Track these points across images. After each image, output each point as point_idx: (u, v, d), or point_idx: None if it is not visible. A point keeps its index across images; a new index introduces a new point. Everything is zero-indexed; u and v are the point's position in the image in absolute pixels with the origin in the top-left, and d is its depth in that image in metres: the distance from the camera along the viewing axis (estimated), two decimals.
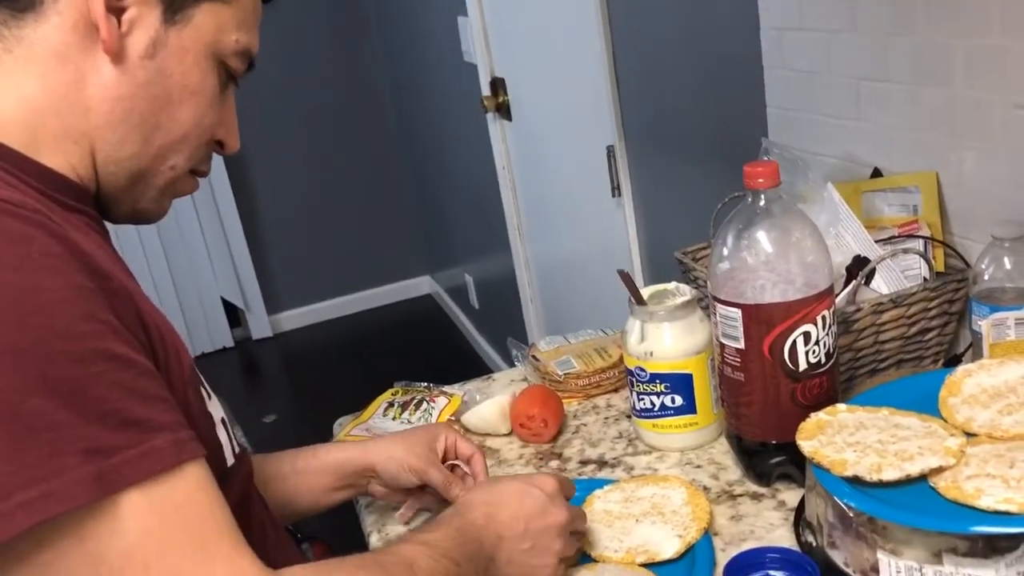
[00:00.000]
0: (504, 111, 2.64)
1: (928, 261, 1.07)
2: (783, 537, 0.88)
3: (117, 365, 0.60)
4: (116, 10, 0.71)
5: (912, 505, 0.75)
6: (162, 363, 0.68)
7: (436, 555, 0.73)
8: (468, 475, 1.00)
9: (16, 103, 0.70)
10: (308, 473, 0.99)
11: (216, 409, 0.78)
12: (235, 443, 0.81)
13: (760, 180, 0.89)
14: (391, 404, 1.19)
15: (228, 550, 0.63)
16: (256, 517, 0.83)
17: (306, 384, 3.78)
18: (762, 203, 0.90)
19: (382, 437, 1.03)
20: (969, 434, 0.81)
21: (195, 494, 0.62)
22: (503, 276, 3.06)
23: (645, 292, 1.09)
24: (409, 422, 1.15)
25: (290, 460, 1.00)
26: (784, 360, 0.90)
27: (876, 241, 1.10)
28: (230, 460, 0.78)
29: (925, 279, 1.07)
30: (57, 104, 0.71)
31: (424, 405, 1.17)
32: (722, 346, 0.95)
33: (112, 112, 0.72)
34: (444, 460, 1.00)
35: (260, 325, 4.25)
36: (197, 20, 0.74)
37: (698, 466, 1.03)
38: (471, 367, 3.45)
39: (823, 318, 0.90)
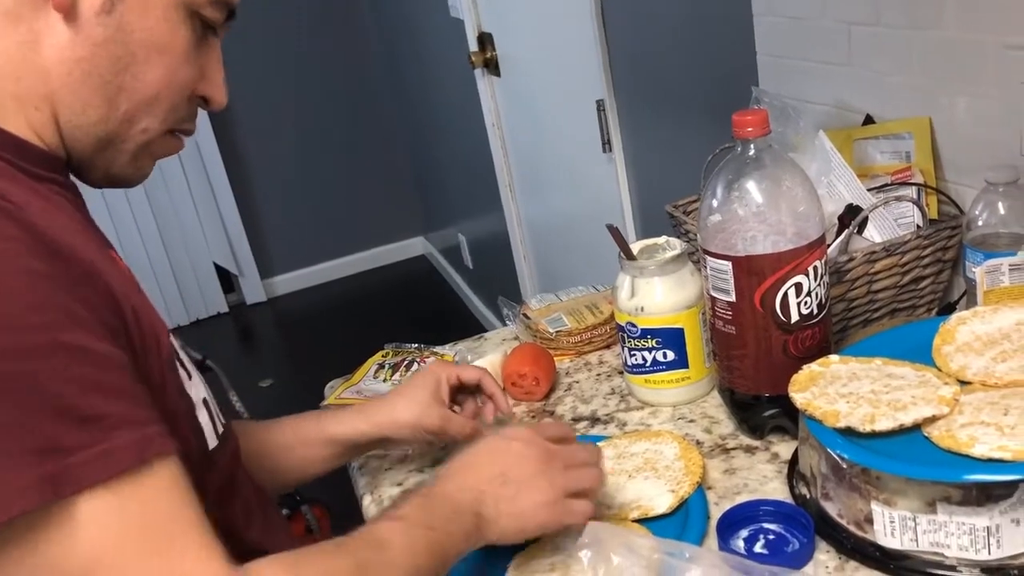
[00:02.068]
0: (492, 67, 2.60)
1: (921, 208, 1.06)
2: (777, 490, 0.87)
3: (75, 358, 0.56)
4: None
5: (906, 455, 0.74)
6: (138, 346, 0.64)
7: (407, 527, 0.70)
8: (485, 401, 1.01)
9: None
10: (313, 445, 0.96)
11: (197, 389, 0.74)
12: (218, 423, 0.78)
13: (749, 129, 0.87)
14: (381, 366, 1.18)
15: (195, 552, 0.58)
16: (241, 500, 0.80)
17: (302, 348, 3.78)
18: (752, 152, 0.89)
19: (382, 400, 0.99)
20: (963, 382, 0.80)
21: (161, 494, 0.58)
22: (496, 235, 3.04)
23: (635, 247, 1.07)
24: (400, 383, 1.13)
25: (292, 430, 0.97)
26: (776, 312, 0.89)
27: (869, 189, 1.08)
28: (212, 442, 0.75)
29: (918, 227, 1.05)
30: (14, 68, 0.67)
31: (415, 366, 1.16)
32: (713, 299, 0.93)
33: (70, 75, 0.68)
34: (454, 398, 0.99)
35: (254, 290, 4.23)
36: None
37: (691, 421, 1.02)
38: (466, 327, 3.45)
39: (815, 268, 0.89)
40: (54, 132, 0.69)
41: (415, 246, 4.45)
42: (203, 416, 0.75)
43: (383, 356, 1.21)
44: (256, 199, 4.11)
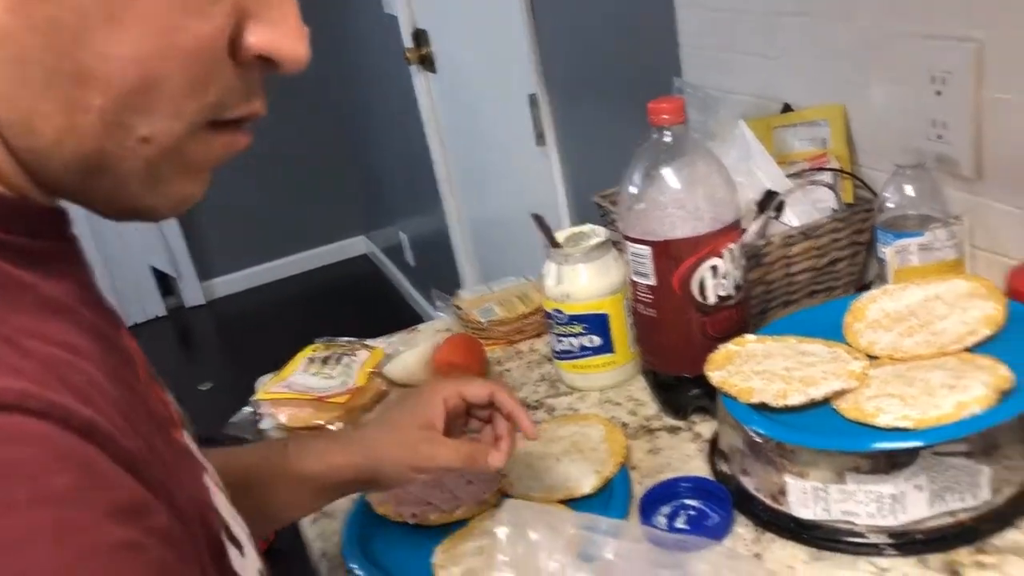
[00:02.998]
0: (428, 63, 2.60)
1: (837, 193, 1.09)
2: (699, 468, 0.89)
3: None
4: None
5: (816, 428, 0.76)
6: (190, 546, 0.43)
7: None
8: (499, 422, 0.80)
9: None
10: (282, 484, 0.76)
11: (251, 567, 0.52)
12: None
13: (664, 116, 0.89)
14: (312, 360, 1.18)
15: None
16: None
17: (242, 350, 3.74)
18: (668, 139, 0.91)
19: (361, 432, 0.82)
20: (872, 357, 0.83)
21: None
22: (437, 232, 3.04)
23: (560, 235, 1.09)
24: (330, 376, 1.13)
25: (256, 467, 0.76)
26: (693, 295, 0.91)
27: (787, 175, 1.11)
28: None
29: (834, 210, 1.08)
30: None
31: (345, 359, 1.16)
32: (634, 284, 0.95)
33: None
34: (460, 418, 0.82)
35: (192, 292, 4.18)
36: None
37: (617, 404, 1.04)
38: (409, 325, 3.44)
39: (730, 251, 0.91)
40: (15, 168, 0.44)
41: (357, 245, 4.42)
42: None
43: (313, 350, 1.21)
44: None
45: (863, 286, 1.11)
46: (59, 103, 0.41)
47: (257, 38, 0.45)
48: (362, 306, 3.87)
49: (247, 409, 1.14)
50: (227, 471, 0.61)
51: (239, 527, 0.53)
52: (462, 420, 0.82)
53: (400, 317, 3.65)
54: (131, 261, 3.97)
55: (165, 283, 4.14)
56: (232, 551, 0.50)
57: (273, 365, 1.20)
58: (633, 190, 0.93)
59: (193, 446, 0.54)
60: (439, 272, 3.21)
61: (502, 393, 0.80)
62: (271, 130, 4.06)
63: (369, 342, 1.24)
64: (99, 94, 0.42)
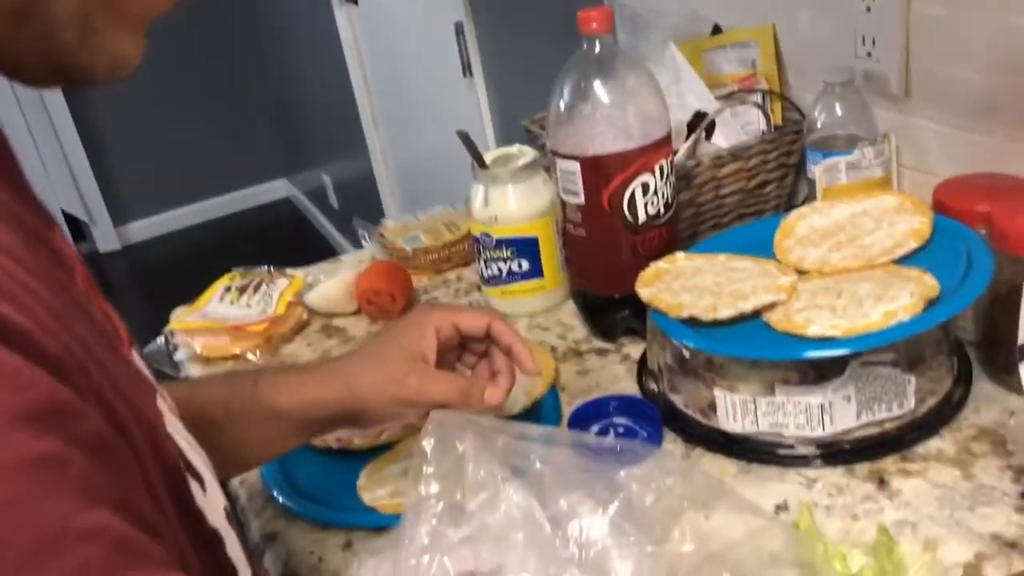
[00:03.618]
0: None
1: (767, 114, 1.08)
2: (628, 388, 0.88)
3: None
4: None
5: (747, 340, 0.75)
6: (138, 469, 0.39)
7: None
8: (497, 356, 0.74)
9: None
10: (253, 421, 0.69)
11: (215, 503, 0.49)
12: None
13: (594, 24, 0.86)
14: (228, 289, 1.13)
15: None
16: None
17: (159, 296, 3.58)
18: (597, 50, 0.87)
19: (341, 359, 0.73)
20: (802, 272, 0.82)
21: None
22: (362, 172, 2.97)
23: (488, 157, 1.05)
24: (248, 305, 1.09)
25: (223, 401, 0.69)
26: (624, 212, 0.89)
27: (717, 98, 1.09)
28: None
29: (763, 132, 1.07)
30: None
31: (263, 287, 1.11)
32: (564, 203, 0.93)
33: None
34: (453, 350, 0.74)
35: (106, 238, 4.02)
36: None
37: (546, 328, 1.02)
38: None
39: (660, 168, 0.89)
40: None
41: (278, 188, 4.31)
42: (233, 547, 0.50)
43: (230, 279, 1.15)
44: (105, 140, 3.88)
45: (792, 208, 1.10)
46: None
47: None
48: (284, 250, 3.77)
49: (159, 340, 1.09)
50: (188, 406, 0.56)
51: (200, 461, 0.49)
52: (455, 352, 0.75)
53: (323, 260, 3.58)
54: None
55: (77, 228, 3.97)
56: (193, 485, 0.46)
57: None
58: (562, 105, 0.90)
59: (144, 368, 0.49)
60: (364, 213, 3.14)
61: (500, 324, 0.72)
62: (187, 67, 3.91)
63: (288, 271, 1.19)
64: None
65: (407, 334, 0.71)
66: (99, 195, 3.92)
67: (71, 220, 3.91)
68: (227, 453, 0.60)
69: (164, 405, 0.47)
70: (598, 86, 0.88)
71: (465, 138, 1.02)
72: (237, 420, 0.68)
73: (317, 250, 3.73)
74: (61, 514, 0.31)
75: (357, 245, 3.63)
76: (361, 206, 3.18)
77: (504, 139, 1.94)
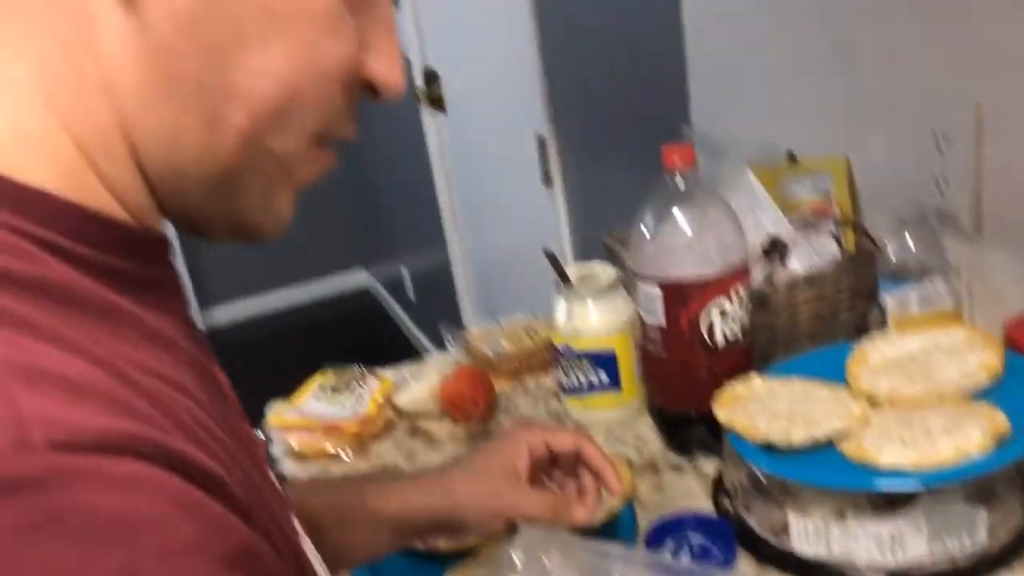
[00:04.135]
0: (438, 103, 2.65)
1: (840, 242, 1.12)
2: (702, 504, 0.92)
3: None
4: None
5: (819, 467, 0.79)
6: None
7: None
8: (585, 475, 0.79)
9: (3, 96, 0.40)
10: (358, 525, 0.74)
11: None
12: None
13: (677, 162, 0.92)
14: (322, 387, 1.20)
15: None
16: None
17: (239, 380, 3.71)
18: (680, 185, 0.94)
19: (440, 472, 0.78)
20: (873, 401, 0.86)
21: None
22: (439, 268, 3.07)
23: (571, 273, 1.12)
24: (341, 404, 1.16)
25: (333, 507, 0.74)
26: (702, 335, 0.94)
27: (791, 223, 1.14)
28: None
29: (837, 259, 1.11)
30: (67, 94, 0.41)
31: (356, 387, 1.18)
32: (643, 323, 0.98)
33: (144, 86, 0.41)
34: (543, 467, 0.79)
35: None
36: None
37: (623, 441, 1.06)
38: (409, 360, 3.46)
39: (738, 294, 0.94)
40: (139, 187, 0.44)
41: (357, 279, 4.45)
42: None
43: (324, 377, 1.23)
44: None
45: (864, 333, 1.14)
46: (204, 118, 0.42)
47: (372, 65, 0.47)
48: (362, 341, 3.89)
49: (257, 433, 1.16)
50: (302, 511, 0.60)
51: (321, 569, 0.53)
52: (545, 469, 0.79)
53: (399, 353, 3.66)
54: None
55: None
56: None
57: (272, 395, 1.22)
58: (645, 231, 0.96)
59: (277, 484, 0.53)
60: (440, 309, 3.24)
61: (590, 446, 0.77)
62: None
63: (379, 371, 1.26)
64: (242, 109, 0.43)
65: (504, 450, 0.76)
66: (187, 278, 4.11)
67: None
68: (330, 557, 0.64)
69: (296, 522, 0.52)
70: (680, 215, 0.94)
71: (552, 258, 1.08)
72: (344, 525, 0.73)
73: (391, 339, 3.84)
74: None
75: (431, 336, 3.70)
76: (437, 300, 3.28)
77: (578, 246, 2.01)
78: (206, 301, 4.22)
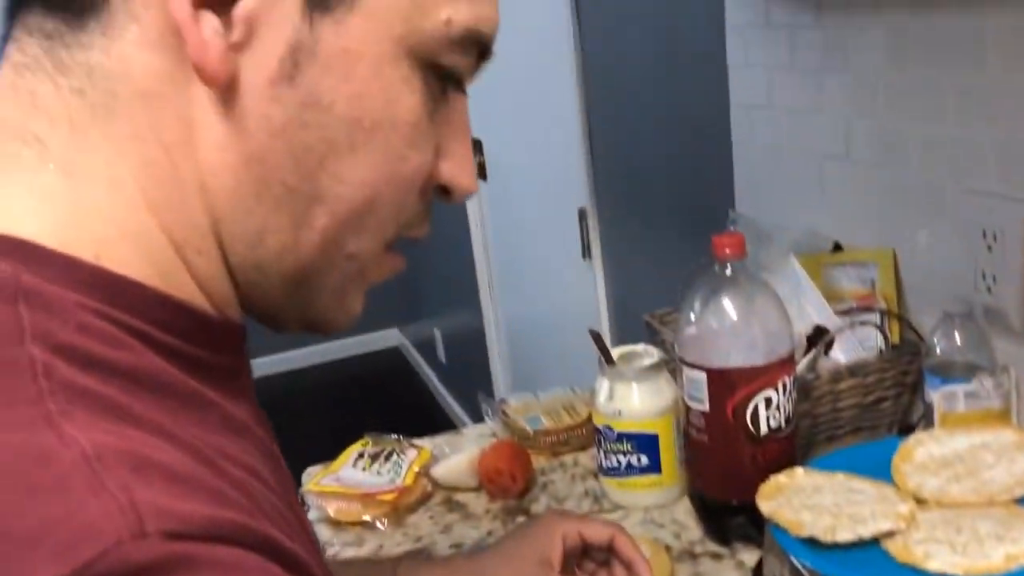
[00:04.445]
0: (480, 170, 2.70)
1: (884, 333, 1.12)
2: None
3: None
4: (216, 1, 0.41)
5: (865, 567, 0.78)
6: None
7: None
8: (617, 569, 0.80)
9: (108, 195, 0.42)
10: None
11: None
12: None
13: (728, 251, 0.94)
14: (361, 455, 1.21)
15: None
16: None
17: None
18: (728, 272, 0.95)
19: (475, 558, 0.80)
20: (919, 500, 0.85)
21: None
22: (472, 332, 3.09)
23: (615, 353, 1.12)
24: (379, 473, 1.16)
25: None
26: (746, 423, 0.94)
27: (835, 312, 1.15)
28: None
29: (881, 350, 1.11)
30: (165, 192, 0.43)
31: (394, 457, 1.19)
32: (688, 408, 0.98)
33: (237, 189, 0.43)
34: (576, 557, 0.80)
35: None
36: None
37: (661, 525, 1.05)
38: (437, 422, 3.46)
39: (784, 384, 0.94)
40: (224, 281, 0.46)
41: (390, 338, 4.48)
42: None
43: (363, 445, 1.24)
44: None
45: (907, 426, 1.13)
46: (290, 219, 0.45)
47: (447, 170, 0.49)
48: (391, 400, 3.90)
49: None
50: None
51: None
52: (577, 559, 0.80)
53: (428, 414, 3.67)
54: None
55: None
56: None
57: (302, 453, 1.22)
58: (691, 316, 0.97)
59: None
60: (471, 372, 3.25)
61: (623, 539, 0.79)
62: None
63: (416, 441, 1.27)
64: (326, 213, 0.45)
65: (538, 538, 0.77)
66: None
67: None
68: None
69: None
70: (727, 304, 0.95)
71: (597, 337, 1.09)
72: None
73: (421, 402, 3.84)
74: None
75: (459, 398, 3.70)
76: (468, 364, 3.28)
77: (615, 321, 2.02)
78: None
